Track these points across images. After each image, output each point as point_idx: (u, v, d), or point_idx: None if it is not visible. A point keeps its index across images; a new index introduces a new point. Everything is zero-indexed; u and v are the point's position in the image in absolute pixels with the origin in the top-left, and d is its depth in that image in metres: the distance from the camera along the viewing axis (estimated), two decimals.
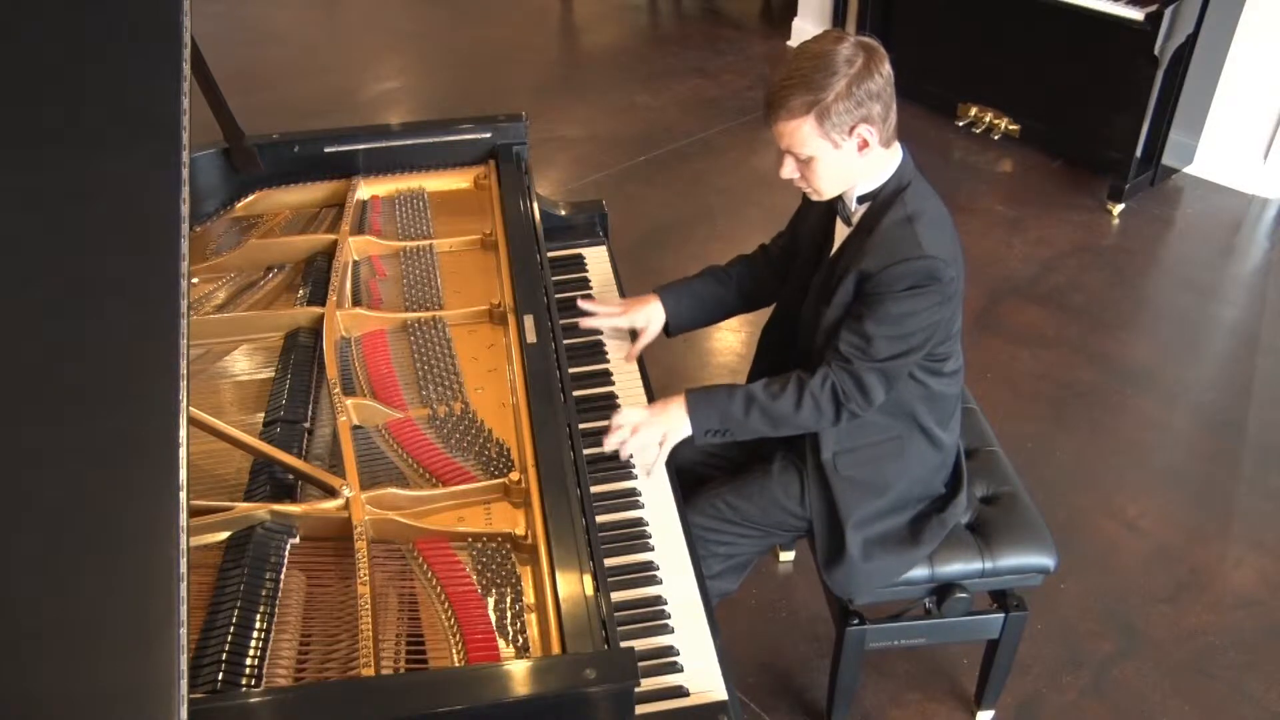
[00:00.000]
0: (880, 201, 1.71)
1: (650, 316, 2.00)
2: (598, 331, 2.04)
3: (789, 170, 1.70)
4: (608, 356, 1.98)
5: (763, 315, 2.06)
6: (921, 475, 1.87)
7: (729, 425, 1.77)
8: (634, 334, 2.02)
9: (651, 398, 1.91)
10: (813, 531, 1.86)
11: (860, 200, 1.73)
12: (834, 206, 1.79)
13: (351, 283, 1.96)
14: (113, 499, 1.09)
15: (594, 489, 1.67)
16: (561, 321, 1.95)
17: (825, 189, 1.71)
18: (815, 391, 1.72)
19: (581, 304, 2.02)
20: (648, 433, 1.74)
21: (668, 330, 2.03)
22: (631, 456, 1.76)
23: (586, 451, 1.74)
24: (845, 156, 1.65)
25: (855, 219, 1.75)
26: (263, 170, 2.14)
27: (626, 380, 1.95)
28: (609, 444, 1.74)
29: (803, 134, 1.62)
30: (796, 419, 1.74)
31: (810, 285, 1.86)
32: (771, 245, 2.07)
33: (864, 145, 1.64)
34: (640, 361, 1.99)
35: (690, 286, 2.04)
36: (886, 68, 1.62)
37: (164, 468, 1.10)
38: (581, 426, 1.76)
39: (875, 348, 1.68)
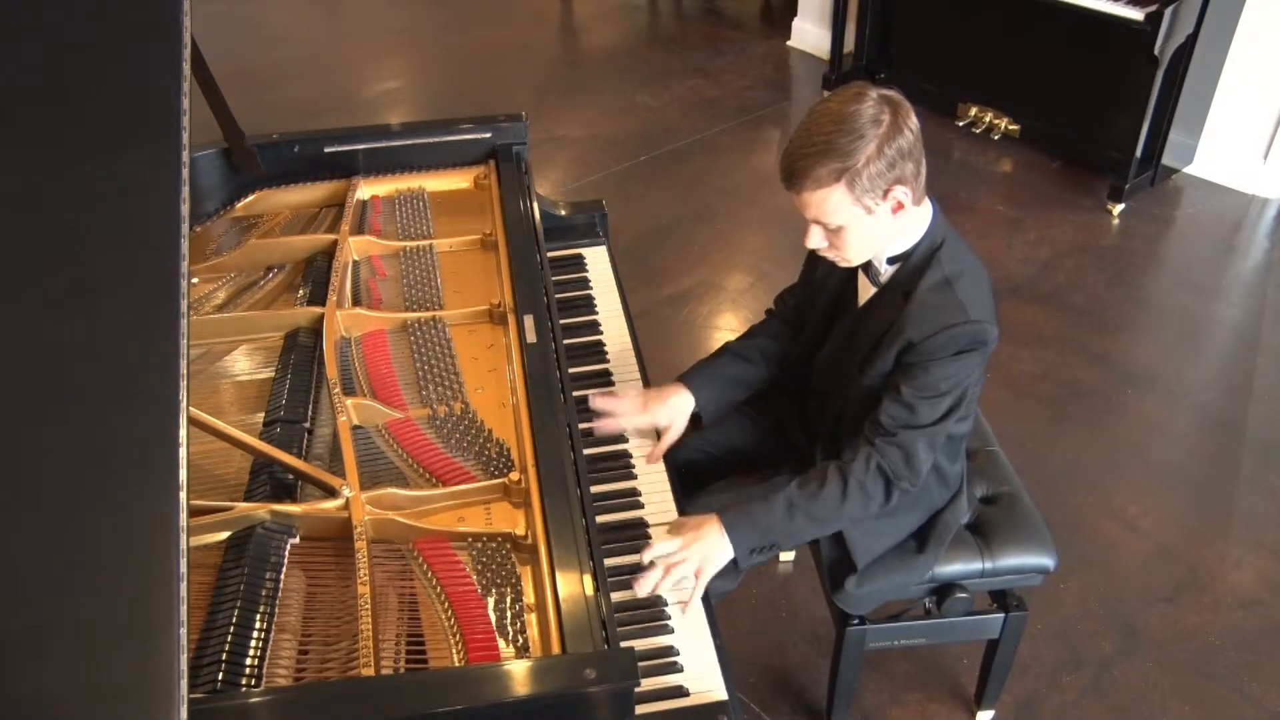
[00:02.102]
0: (914, 263, 1.63)
1: (675, 411, 1.82)
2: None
3: (816, 240, 1.60)
4: (634, 470, 1.78)
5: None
6: (928, 507, 1.85)
7: (773, 538, 1.64)
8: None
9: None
10: (817, 541, 1.85)
11: (890, 261, 1.65)
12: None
13: (351, 283, 1.96)
14: (113, 499, 1.09)
15: (594, 489, 1.67)
16: (563, 321, 1.95)
17: (856, 257, 1.62)
18: (861, 478, 1.63)
19: (595, 403, 1.81)
20: (683, 569, 1.57)
21: (697, 421, 1.86)
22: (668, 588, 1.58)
23: (586, 451, 1.74)
24: (879, 221, 1.56)
25: (884, 279, 1.67)
26: (263, 170, 2.14)
27: (627, 381, 1.95)
28: (642, 590, 1.54)
29: (832, 203, 1.52)
30: (843, 511, 1.65)
31: (830, 332, 1.81)
32: (780, 307, 1.96)
33: (899, 208, 1.55)
34: (642, 367, 1.96)
35: (717, 370, 1.89)
36: (914, 121, 1.53)
37: (164, 468, 1.10)
38: (582, 426, 1.75)
39: (920, 414, 1.61)
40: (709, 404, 1.86)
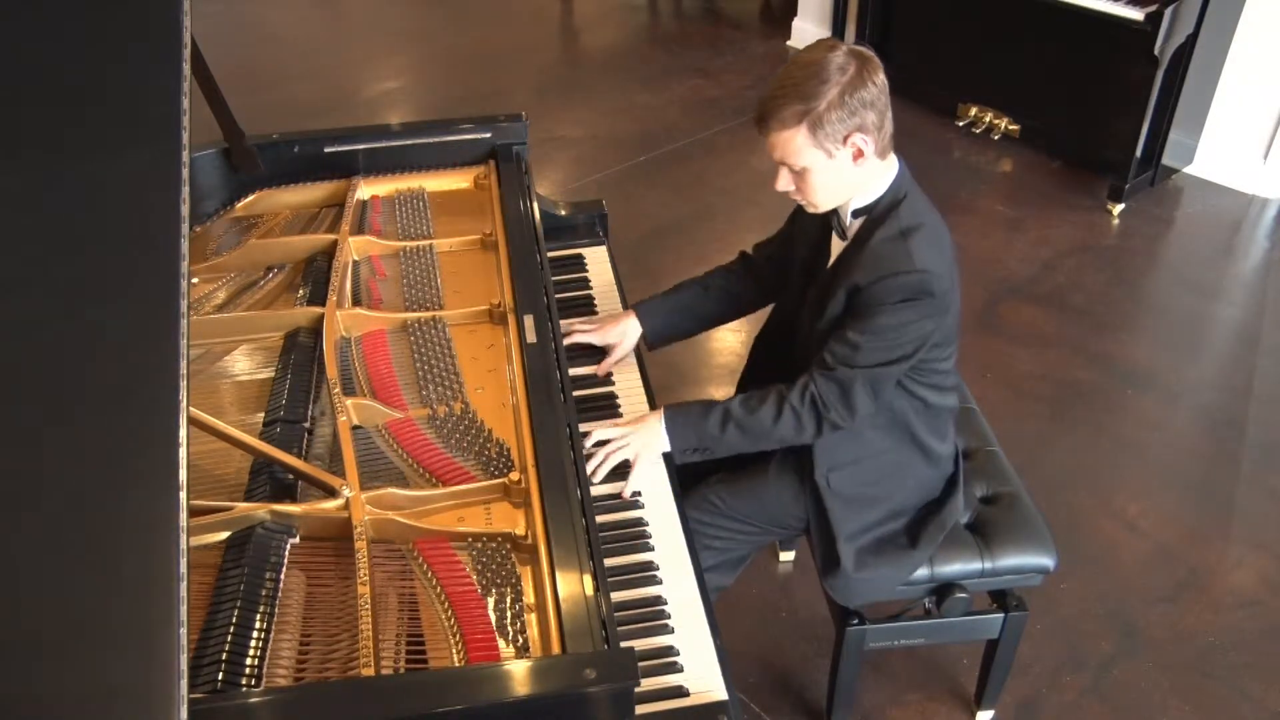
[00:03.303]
0: (875, 215, 1.69)
1: (624, 333, 1.98)
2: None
3: (784, 183, 1.68)
4: (613, 380, 1.96)
5: (761, 317, 2.06)
6: (917, 488, 1.87)
7: (707, 443, 1.75)
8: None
9: (651, 397, 1.91)
10: (811, 534, 1.85)
11: (855, 214, 1.71)
12: (829, 220, 1.77)
13: (351, 283, 1.96)
14: (113, 499, 1.09)
15: (594, 489, 1.67)
16: (563, 321, 1.95)
17: (821, 201, 1.69)
18: (794, 403, 1.71)
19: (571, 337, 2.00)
20: (623, 453, 1.73)
21: (648, 343, 2.01)
22: (628, 463, 1.74)
23: (587, 452, 1.74)
24: (840, 167, 1.63)
25: (850, 233, 1.73)
26: (263, 170, 2.14)
27: (627, 381, 1.95)
28: (595, 477, 1.72)
29: (795, 144, 1.60)
30: (775, 432, 1.73)
31: (806, 297, 1.85)
32: (755, 254, 2.05)
33: (859, 155, 1.62)
34: (641, 366, 1.98)
35: (666, 299, 2.03)
36: (880, 76, 1.60)
37: (164, 468, 1.10)
38: (582, 427, 1.76)
39: (861, 355, 1.66)
40: (656, 329, 2.01)
